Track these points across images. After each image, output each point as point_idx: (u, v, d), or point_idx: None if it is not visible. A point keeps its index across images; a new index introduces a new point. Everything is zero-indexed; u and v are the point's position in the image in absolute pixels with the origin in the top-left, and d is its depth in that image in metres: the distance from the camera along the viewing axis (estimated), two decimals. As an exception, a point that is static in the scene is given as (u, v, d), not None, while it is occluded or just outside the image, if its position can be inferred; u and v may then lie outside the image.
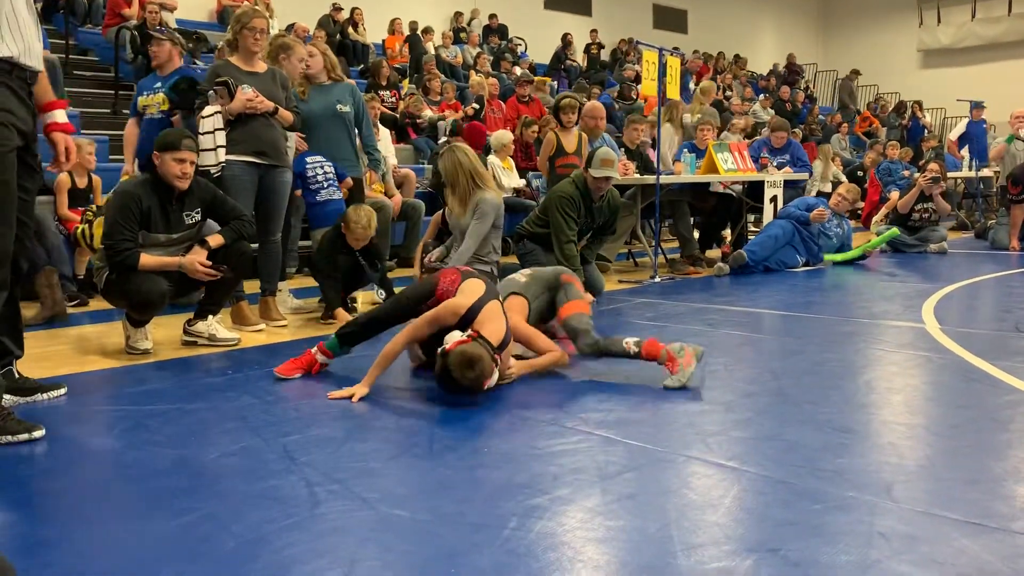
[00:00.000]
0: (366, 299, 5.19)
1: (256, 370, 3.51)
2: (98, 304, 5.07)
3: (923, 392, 3.15)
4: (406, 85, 11.35)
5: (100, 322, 4.75)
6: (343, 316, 4.47)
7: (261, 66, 4.52)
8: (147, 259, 3.77)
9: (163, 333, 4.16)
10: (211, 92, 4.34)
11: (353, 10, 12.87)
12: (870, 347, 3.83)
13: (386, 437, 2.62)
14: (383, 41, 13.24)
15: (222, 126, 4.31)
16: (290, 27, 11.23)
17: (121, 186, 3.89)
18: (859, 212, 10.80)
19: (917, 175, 8.81)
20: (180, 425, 2.72)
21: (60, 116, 2.93)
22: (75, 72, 9.43)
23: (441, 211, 5.28)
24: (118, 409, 2.97)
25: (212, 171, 4.24)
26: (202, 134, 4.22)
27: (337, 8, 12.78)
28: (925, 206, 7.99)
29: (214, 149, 4.28)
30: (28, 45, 2.62)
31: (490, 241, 4.92)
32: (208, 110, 4.31)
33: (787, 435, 2.52)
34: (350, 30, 12.62)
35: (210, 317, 4.05)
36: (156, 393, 3.14)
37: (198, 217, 3.95)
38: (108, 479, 2.28)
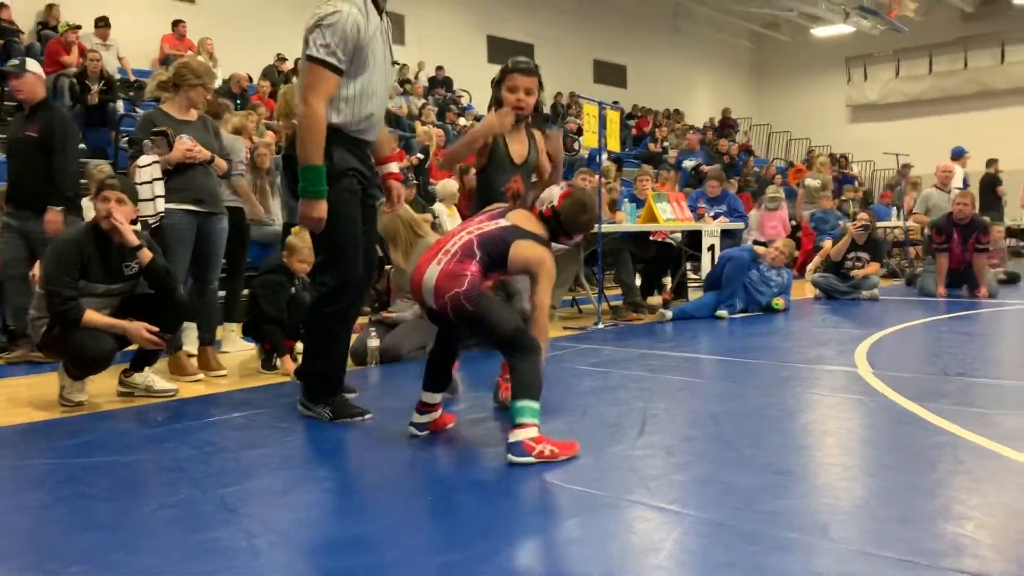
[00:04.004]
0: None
1: (195, 421, 3.44)
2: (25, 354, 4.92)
3: (857, 434, 3.24)
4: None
5: (30, 373, 4.60)
6: (290, 365, 4.41)
7: (193, 114, 4.50)
8: (92, 316, 3.68)
9: (98, 385, 4.05)
10: (146, 142, 4.30)
11: (297, 60, 12.92)
12: (806, 391, 3.93)
13: (327, 488, 2.59)
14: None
15: (160, 176, 4.27)
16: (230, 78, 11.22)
17: (62, 233, 3.82)
18: (794, 260, 11.11)
19: (848, 224, 9.13)
20: (115, 477, 2.65)
21: (394, 167, 3.61)
22: (9, 119, 9.24)
23: (386, 276, 5.26)
24: (50, 462, 2.87)
25: (150, 221, 4.19)
26: (139, 184, 4.17)
27: (281, 58, 12.82)
28: (857, 254, 8.26)
29: (152, 199, 4.23)
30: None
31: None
32: (144, 160, 4.26)
33: (727, 478, 2.57)
34: (295, 80, 12.64)
35: (147, 368, 3.96)
36: (91, 445, 3.06)
37: (137, 268, 3.89)
38: (36, 534, 2.20)
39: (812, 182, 11.82)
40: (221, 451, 2.96)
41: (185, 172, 4.34)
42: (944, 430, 3.07)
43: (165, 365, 4.39)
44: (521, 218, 3.01)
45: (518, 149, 3.52)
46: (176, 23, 12.20)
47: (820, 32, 21.04)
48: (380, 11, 3.26)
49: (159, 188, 4.25)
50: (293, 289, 4.64)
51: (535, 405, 2.72)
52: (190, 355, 4.60)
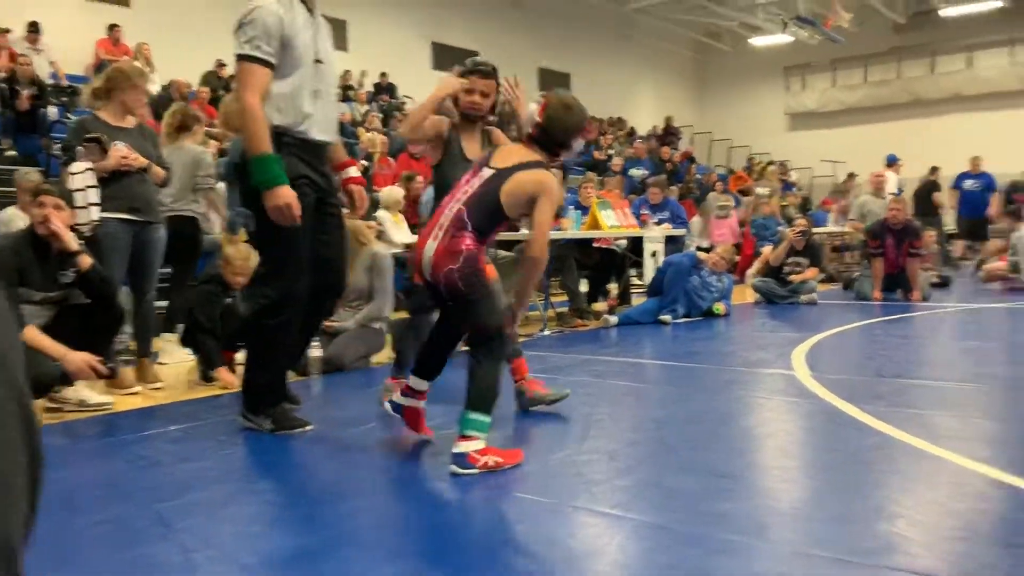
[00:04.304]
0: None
1: (130, 435, 3.35)
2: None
3: (795, 436, 3.30)
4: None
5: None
6: (226, 376, 4.33)
7: (130, 121, 4.40)
8: (34, 334, 3.53)
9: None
10: (79, 148, 4.18)
11: (238, 66, 12.72)
12: (747, 394, 3.99)
13: (267, 499, 2.55)
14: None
15: (94, 183, 4.16)
16: (170, 84, 11.02)
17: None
18: (735, 266, 11.30)
19: (787, 230, 9.31)
20: (45, 494, 2.55)
21: (353, 171, 3.53)
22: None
23: None
24: (-26, 481, 2.77)
25: (84, 230, 4.08)
26: (72, 191, 4.05)
27: (221, 64, 12.61)
28: (796, 259, 8.43)
29: (86, 207, 4.11)
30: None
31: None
32: (77, 167, 4.14)
33: (669, 482, 2.59)
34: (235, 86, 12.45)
35: (78, 381, 3.84)
36: (18, 462, 2.95)
37: (73, 276, 3.78)
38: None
39: (762, 190, 12.32)
40: (157, 465, 2.89)
41: (120, 180, 4.23)
42: (879, 431, 3.14)
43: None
44: (507, 155, 2.89)
45: (472, 146, 3.57)
46: (111, 27, 11.92)
47: (759, 42, 21.48)
48: (309, 9, 3.23)
49: (93, 196, 4.13)
50: (229, 300, 4.57)
51: (486, 419, 2.70)
52: (127, 361, 4.50)
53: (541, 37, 19.52)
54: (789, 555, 2.00)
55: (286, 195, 3.01)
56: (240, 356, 4.90)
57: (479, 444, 2.67)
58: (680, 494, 2.46)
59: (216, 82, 12.28)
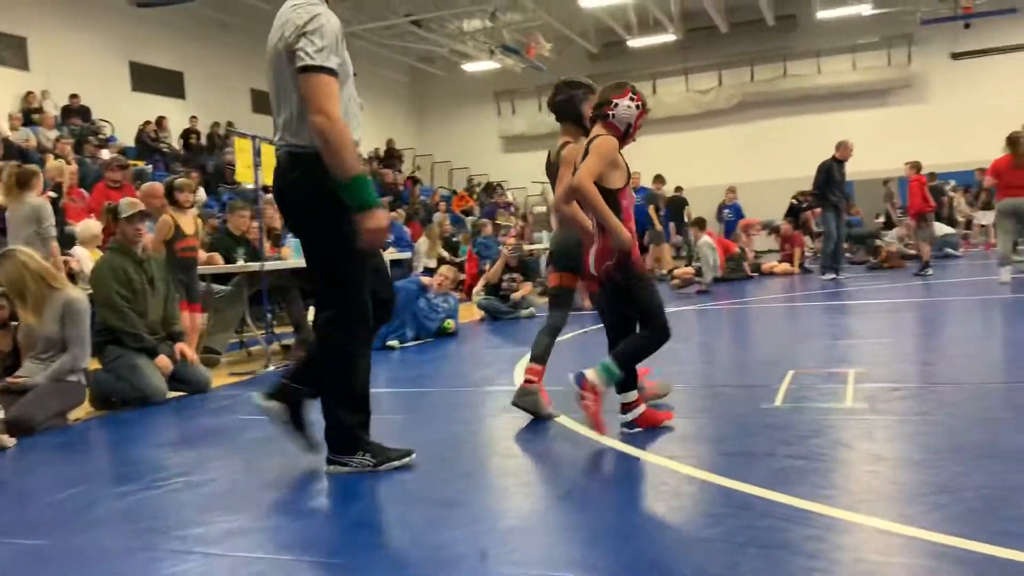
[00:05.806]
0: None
1: None
2: None
3: (516, 454, 3.42)
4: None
5: None
6: None
7: None
8: None
9: None
10: None
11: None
12: (473, 415, 4.09)
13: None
14: (-67, 123, 11.43)
15: None
16: None
17: None
18: (460, 285, 11.64)
19: (502, 248, 9.76)
20: None
21: None
22: None
23: (12, 335, 4.64)
24: None
25: None
26: None
27: None
28: (512, 275, 8.86)
29: None
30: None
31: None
32: None
33: (392, 518, 2.57)
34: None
35: None
36: None
37: None
38: None
39: (540, 209, 13.06)
40: None
41: None
42: (589, 439, 3.35)
43: None
44: (575, 154, 3.59)
45: None
46: None
47: (470, 68, 22.35)
48: None
49: None
50: None
51: (618, 372, 3.24)
52: None
53: (252, 59, 18.81)
54: (508, 577, 2.05)
55: (382, 218, 2.81)
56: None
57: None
58: (405, 527, 2.45)
59: None
